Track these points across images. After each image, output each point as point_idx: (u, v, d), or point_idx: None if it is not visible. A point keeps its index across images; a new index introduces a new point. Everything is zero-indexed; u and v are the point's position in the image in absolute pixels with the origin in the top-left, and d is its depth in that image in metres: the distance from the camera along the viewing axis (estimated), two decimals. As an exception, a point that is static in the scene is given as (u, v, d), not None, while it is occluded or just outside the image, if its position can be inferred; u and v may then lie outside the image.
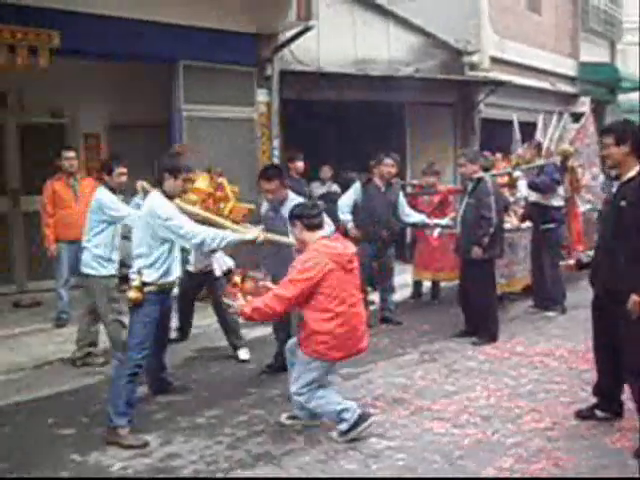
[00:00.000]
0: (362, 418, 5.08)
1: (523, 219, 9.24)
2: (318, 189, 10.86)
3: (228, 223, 5.83)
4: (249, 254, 7.49)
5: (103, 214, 6.46)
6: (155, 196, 5.36)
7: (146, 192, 6.12)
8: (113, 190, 6.56)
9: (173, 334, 7.62)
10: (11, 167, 9.90)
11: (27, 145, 9.94)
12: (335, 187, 10.77)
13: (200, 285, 7.43)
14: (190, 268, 7.16)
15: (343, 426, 5.05)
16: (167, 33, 8.80)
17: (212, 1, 8.95)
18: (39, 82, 8.64)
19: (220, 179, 7.29)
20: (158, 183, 5.41)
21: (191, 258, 7.12)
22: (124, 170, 6.63)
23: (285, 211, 6.11)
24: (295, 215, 5.28)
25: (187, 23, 8.93)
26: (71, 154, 8.18)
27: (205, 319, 7.98)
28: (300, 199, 6.30)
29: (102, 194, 6.51)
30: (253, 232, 5.65)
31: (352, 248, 5.31)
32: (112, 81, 9.68)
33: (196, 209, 6.09)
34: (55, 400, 6.13)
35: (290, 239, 5.84)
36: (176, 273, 5.53)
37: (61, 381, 6.59)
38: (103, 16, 8.18)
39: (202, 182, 7.20)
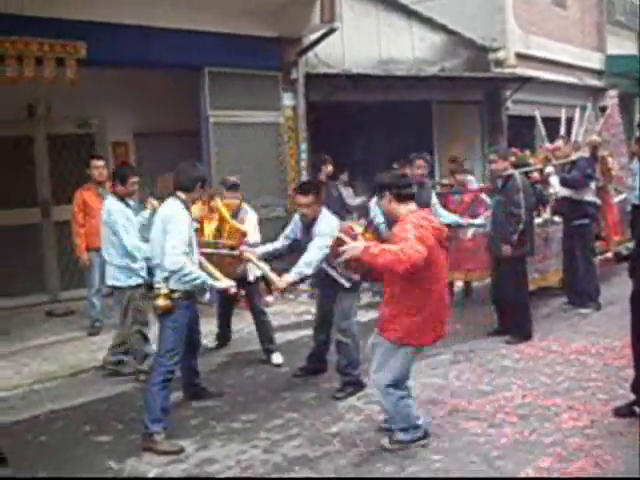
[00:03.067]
0: (421, 437, 4.98)
1: (554, 214, 9.14)
2: (351, 199, 10.81)
3: (217, 274, 5.76)
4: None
5: (113, 225, 6.51)
6: (170, 203, 5.36)
7: (154, 209, 6.19)
8: (123, 199, 6.61)
9: (212, 343, 7.70)
10: (41, 178, 10.00)
11: (56, 156, 10.05)
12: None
13: (237, 291, 7.43)
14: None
15: (401, 436, 4.92)
16: (191, 40, 8.82)
17: (235, 7, 8.97)
18: (67, 93, 8.68)
19: (212, 203, 7.15)
20: (183, 190, 5.37)
21: None
22: (136, 179, 6.71)
23: (317, 229, 6.05)
24: (384, 184, 4.85)
25: (211, 29, 8.95)
26: (100, 163, 8.23)
27: (238, 324, 7.98)
28: (331, 217, 6.18)
29: (113, 207, 6.58)
30: (226, 282, 5.63)
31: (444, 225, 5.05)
32: (139, 90, 9.73)
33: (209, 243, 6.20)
34: (90, 408, 6.16)
35: (273, 274, 5.85)
36: (201, 278, 5.49)
37: (96, 389, 6.62)
38: (128, 25, 8.23)
39: (195, 209, 7.15)
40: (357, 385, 6.11)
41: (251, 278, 7.14)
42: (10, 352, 7.73)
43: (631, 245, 5.53)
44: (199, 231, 6.94)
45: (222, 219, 7.05)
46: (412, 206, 4.82)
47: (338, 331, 6.10)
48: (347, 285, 5.87)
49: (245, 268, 7.11)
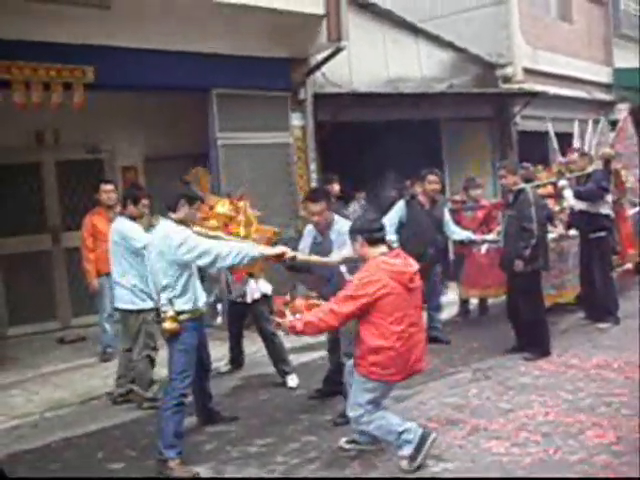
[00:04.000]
0: (424, 437, 4.85)
1: (568, 227, 9.03)
2: (354, 213, 10.77)
3: (251, 243, 5.61)
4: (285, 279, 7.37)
5: (129, 245, 6.43)
6: (164, 225, 5.25)
7: None
8: (132, 219, 6.55)
9: (225, 367, 7.60)
10: (51, 204, 9.97)
11: (65, 181, 10.03)
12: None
13: (243, 313, 7.36)
14: (238, 299, 7.13)
15: (406, 450, 4.82)
16: (198, 63, 8.79)
17: (242, 28, 8.94)
18: (75, 118, 8.68)
19: (240, 203, 7.16)
20: (170, 210, 5.26)
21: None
22: (147, 202, 6.67)
23: (334, 234, 6.01)
24: (356, 229, 5.07)
25: (218, 51, 8.91)
26: (109, 187, 8.18)
27: (251, 346, 7.87)
28: (345, 220, 6.18)
29: (121, 224, 6.52)
30: (278, 248, 5.42)
31: (414, 265, 5.02)
32: (147, 113, 9.73)
33: (218, 233, 5.96)
34: (103, 435, 6.05)
35: (322, 258, 5.70)
36: (203, 298, 5.43)
37: (108, 415, 6.52)
38: (136, 49, 8.18)
39: (221, 207, 7.09)
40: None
41: (249, 300, 7.04)
42: (21, 380, 7.66)
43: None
44: (226, 228, 6.86)
45: (247, 221, 6.98)
46: (382, 249, 5.00)
47: (344, 355, 5.96)
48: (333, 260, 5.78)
49: (244, 291, 7.03)
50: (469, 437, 5.34)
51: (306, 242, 6.37)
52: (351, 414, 5.02)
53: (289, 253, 5.37)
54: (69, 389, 7.29)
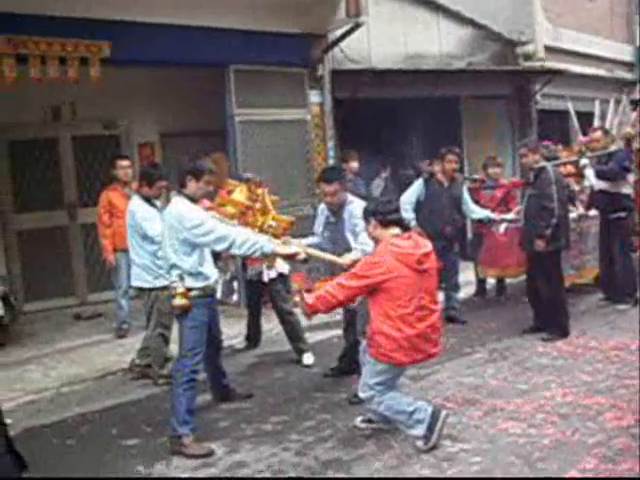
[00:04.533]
0: (435, 416, 4.80)
1: (588, 207, 8.91)
2: (377, 189, 10.72)
3: (267, 237, 5.51)
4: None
5: (137, 227, 6.43)
6: (180, 202, 5.19)
7: None
8: (148, 200, 6.50)
9: (241, 344, 7.63)
10: (67, 180, 9.96)
11: (82, 157, 10.01)
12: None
13: (260, 292, 7.34)
14: (254, 277, 7.12)
15: (419, 430, 4.79)
16: (216, 38, 8.68)
17: (260, 3, 8.83)
18: (92, 94, 8.64)
19: (259, 190, 7.11)
20: (180, 187, 5.25)
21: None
22: (164, 183, 6.59)
23: (347, 214, 5.97)
24: (369, 211, 5.07)
25: (236, 27, 8.80)
26: (125, 163, 8.16)
27: (267, 324, 7.84)
28: (359, 201, 6.13)
29: (136, 207, 6.48)
30: (292, 248, 5.37)
31: (426, 247, 4.93)
32: (165, 89, 9.64)
33: (234, 223, 5.92)
34: (118, 411, 6.06)
35: (335, 257, 5.64)
36: (214, 276, 5.40)
37: (124, 391, 6.53)
38: (152, 24, 8.07)
39: (240, 194, 7.03)
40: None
41: (265, 279, 7.00)
42: (38, 355, 7.69)
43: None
44: (249, 210, 6.83)
45: (265, 208, 6.94)
46: (395, 230, 4.95)
47: (361, 334, 5.91)
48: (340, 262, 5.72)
49: (260, 270, 7.00)
50: (485, 417, 5.29)
51: (319, 221, 6.34)
52: (362, 395, 5.00)
53: (302, 255, 5.36)
54: (85, 365, 7.31)
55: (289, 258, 5.43)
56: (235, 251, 5.19)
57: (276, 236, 6.34)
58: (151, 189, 6.53)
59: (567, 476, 4.29)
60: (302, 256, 5.36)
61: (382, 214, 4.96)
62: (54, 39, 7.49)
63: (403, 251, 4.80)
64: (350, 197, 6.15)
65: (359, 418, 5.27)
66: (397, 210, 5.07)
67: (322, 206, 6.36)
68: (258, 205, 6.90)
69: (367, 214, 5.09)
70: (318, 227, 6.35)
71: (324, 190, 6.05)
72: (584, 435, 4.87)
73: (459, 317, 8.25)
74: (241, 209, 6.84)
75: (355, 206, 6.00)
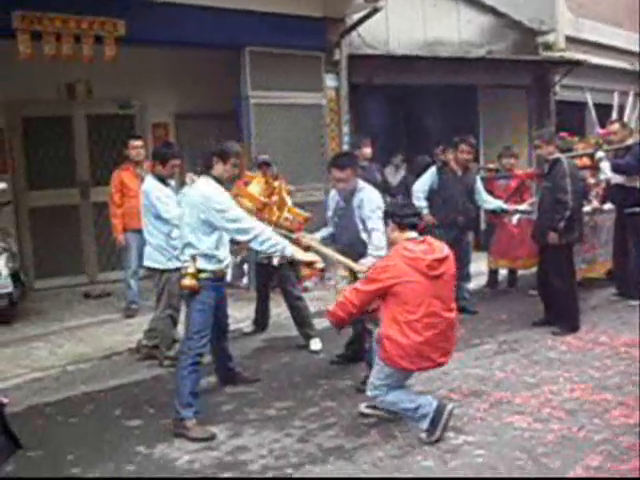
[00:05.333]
0: (439, 410, 4.75)
1: (603, 201, 8.81)
2: (393, 176, 10.64)
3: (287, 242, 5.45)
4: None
5: (151, 207, 6.37)
6: (206, 182, 5.15)
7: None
8: (163, 180, 6.44)
9: (249, 328, 7.59)
10: (80, 158, 9.95)
11: (96, 136, 10.00)
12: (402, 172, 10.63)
13: (269, 275, 7.30)
14: (264, 260, 7.07)
15: (424, 424, 4.74)
16: (232, 19, 8.62)
17: (277, -15, 8.77)
18: (107, 72, 8.60)
19: (276, 183, 7.06)
20: (206, 168, 5.21)
21: None
22: (178, 162, 6.51)
23: (356, 202, 5.93)
24: (387, 213, 5.10)
25: (253, 8, 8.74)
26: (138, 143, 8.13)
27: (276, 308, 7.80)
28: (370, 187, 6.08)
29: (150, 187, 6.39)
30: (311, 255, 5.32)
31: (441, 252, 4.84)
32: (179, 70, 9.61)
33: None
34: (123, 391, 6.04)
35: (351, 262, 5.56)
36: (227, 260, 5.37)
37: (129, 372, 6.52)
38: (168, 4, 8.02)
39: (256, 186, 6.99)
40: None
41: (275, 262, 6.95)
42: (46, 333, 7.70)
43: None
44: (265, 207, 6.80)
45: (281, 201, 6.91)
46: (410, 234, 4.92)
47: (370, 320, 5.87)
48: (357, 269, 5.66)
49: None
50: (491, 410, 5.24)
51: (330, 207, 6.30)
52: (368, 393, 4.98)
53: (319, 264, 5.29)
54: (92, 344, 7.30)
55: (307, 266, 5.37)
56: (255, 246, 5.18)
57: (291, 230, 6.33)
58: (164, 168, 6.44)
59: (571, 473, 4.23)
60: (319, 265, 5.29)
61: (399, 217, 4.93)
62: (69, 16, 7.46)
63: (413, 255, 4.73)
64: (361, 183, 6.09)
65: (364, 404, 5.25)
66: (414, 215, 5.02)
67: (333, 192, 6.32)
68: (275, 198, 6.87)
69: (386, 216, 5.11)
70: (329, 213, 6.32)
71: (335, 176, 5.99)
72: (590, 432, 4.81)
73: (469, 307, 8.17)
74: (258, 205, 6.81)
75: (366, 193, 5.96)
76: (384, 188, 9.57)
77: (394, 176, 10.85)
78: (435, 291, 4.75)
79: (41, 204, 9.64)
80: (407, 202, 5.38)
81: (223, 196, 5.10)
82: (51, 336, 7.58)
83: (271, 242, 5.07)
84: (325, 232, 6.35)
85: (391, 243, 5.06)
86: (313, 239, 6.03)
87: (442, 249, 4.88)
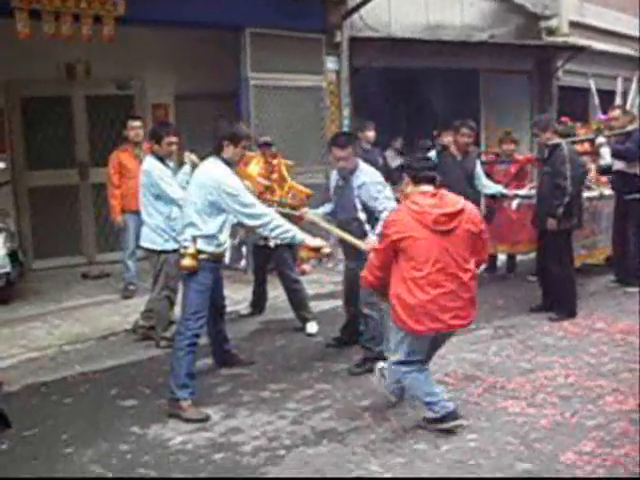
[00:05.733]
0: (447, 417, 4.62)
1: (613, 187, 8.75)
2: (393, 160, 10.60)
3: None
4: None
5: (152, 186, 6.32)
6: (217, 165, 5.13)
7: (194, 164, 5.98)
8: (162, 160, 6.40)
9: (246, 310, 7.60)
10: (79, 139, 9.92)
11: (95, 116, 9.95)
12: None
13: (267, 257, 7.29)
14: (261, 242, 7.05)
15: (429, 414, 4.68)
16: (233, 0, 8.58)
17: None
18: (107, 53, 8.58)
19: (275, 161, 7.04)
20: (216, 151, 5.19)
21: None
22: (174, 139, 6.44)
23: (355, 181, 5.90)
24: (403, 167, 4.94)
25: (254, -11, 8.71)
26: (137, 123, 8.09)
27: (273, 291, 7.80)
28: (369, 167, 6.06)
29: (151, 166, 6.34)
30: (319, 241, 5.28)
31: (454, 206, 4.59)
32: (179, 51, 9.55)
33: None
34: (119, 371, 6.06)
35: (357, 241, 5.59)
36: (227, 243, 5.38)
37: (126, 352, 6.53)
38: (168, -17, 8.01)
39: (255, 166, 6.98)
40: (378, 362, 5.87)
41: (272, 244, 6.94)
42: (43, 313, 7.71)
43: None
44: (268, 190, 6.80)
45: (281, 178, 6.88)
46: (423, 188, 4.71)
47: (364, 304, 5.86)
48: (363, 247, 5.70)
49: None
50: (485, 395, 5.25)
51: (331, 187, 6.29)
52: (391, 358, 4.86)
53: (327, 249, 5.30)
54: (89, 324, 7.31)
55: (315, 251, 5.34)
56: (265, 232, 5.20)
57: (295, 207, 6.31)
58: (161, 146, 6.41)
59: (562, 458, 4.23)
60: (327, 250, 5.30)
61: (414, 170, 4.76)
62: (69, -5, 7.42)
63: (420, 209, 4.54)
64: (361, 164, 6.05)
65: (380, 363, 5.21)
66: (431, 167, 4.82)
67: (334, 173, 6.29)
68: (275, 176, 6.86)
69: (401, 170, 4.96)
70: (330, 192, 6.31)
71: (336, 155, 5.93)
72: (583, 417, 4.82)
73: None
74: (260, 189, 6.80)
75: (367, 172, 5.94)
76: (385, 172, 9.55)
77: (395, 160, 10.81)
78: (446, 248, 4.54)
79: (40, 184, 9.61)
80: (424, 156, 5.15)
81: (234, 180, 5.09)
82: (48, 316, 7.58)
83: (282, 229, 5.08)
84: (328, 208, 6.34)
85: (405, 198, 4.90)
86: (316, 215, 6.05)
87: (455, 203, 4.64)
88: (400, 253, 4.59)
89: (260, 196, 6.60)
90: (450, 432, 4.59)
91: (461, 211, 4.61)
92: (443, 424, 4.63)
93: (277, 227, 5.07)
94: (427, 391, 4.71)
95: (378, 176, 5.99)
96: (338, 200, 6.10)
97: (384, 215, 5.60)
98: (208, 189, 5.04)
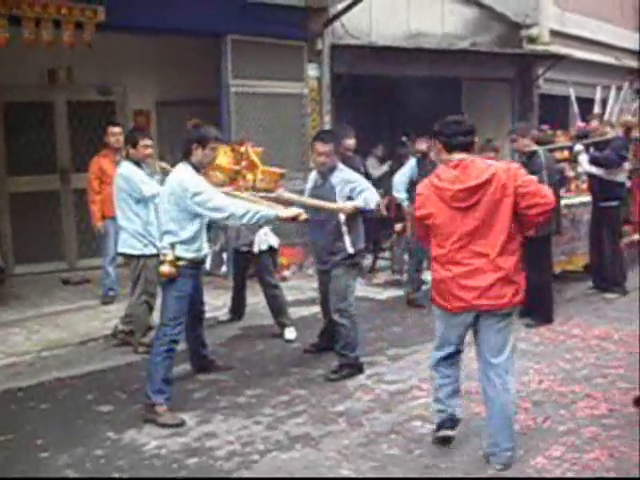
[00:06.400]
0: (440, 426, 4.56)
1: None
2: (375, 167, 10.66)
3: (265, 202, 5.48)
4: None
5: (132, 191, 6.36)
6: (185, 170, 5.17)
7: (165, 172, 6.02)
8: (138, 164, 6.46)
9: (225, 316, 7.64)
10: (61, 145, 9.94)
11: (77, 122, 9.98)
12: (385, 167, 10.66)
13: (247, 263, 7.32)
14: (243, 248, 7.06)
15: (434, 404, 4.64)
16: (214, 7, 8.61)
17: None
18: (89, 59, 8.60)
19: (242, 148, 7.03)
20: (185, 155, 5.22)
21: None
22: (149, 142, 6.53)
23: (334, 180, 5.92)
24: (434, 132, 4.47)
25: (235, -4, 8.75)
26: (117, 130, 8.11)
27: (253, 297, 7.82)
28: (350, 171, 6.09)
29: (126, 169, 6.42)
30: (293, 210, 5.34)
31: (476, 178, 4.16)
32: (161, 57, 9.60)
33: (226, 190, 5.84)
34: (96, 377, 6.07)
35: (332, 204, 5.64)
36: (205, 249, 5.41)
37: (104, 358, 6.54)
38: (149, -10, 8.04)
39: (223, 157, 7.00)
40: (354, 368, 5.92)
41: (256, 250, 6.97)
42: (23, 318, 7.71)
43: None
44: (238, 175, 6.82)
45: (252, 164, 6.89)
46: (455, 156, 4.29)
47: (334, 311, 5.91)
48: (351, 251, 5.80)
49: (252, 240, 6.97)
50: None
51: (307, 188, 6.29)
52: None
53: (303, 215, 5.32)
54: (68, 330, 7.32)
55: (292, 220, 5.35)
56: (236, 222, 5.23)
57: (269, 190, 6.33)
58: (137, 150, 6.49)
59: (532, 463, 4.28)
60: (304, 216, 5.33)
61: (446, 136, 4.33)
62: (49, 1, 7.41)
63: (440, 184, 4.27)
64: (341, 165, 6.08)
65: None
66: (464, 132, 4.32)
67: (313, 174, 6.30)
68: (244, 163, 6.86)
69: (433, 135, 4.71)
70: (305, 194, 6.31)
71: (319, 150, 5.92)
72: (555, 422, 4.88)
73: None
74: (230, 174, 6.80)
75: (346, 172, 5.99)
76: (366, 179, 9.60)
77: (377, 168, 10.87)
78: (468, 224, 4.20)
79: (21, 190, 9.61)
80: (456, 119, 4.49)
81: (198, 180, 5.12)
82: (27, 322, 7.57)
83: (250, 214, 5.06)
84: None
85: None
86: (292, 193, 6.07)
87: (481, 174, 4.18)
88: (429, 228, 4.41)
89: (232, 183, 6.64)
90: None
91: (487, 182, 4.15)
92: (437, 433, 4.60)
93: (245, 214, 5.05)
94: (440, 382, 4.56)
95: (358, 175, 6.07)
96: (314, 199, 6.10)
97: (365, 193, 5.74)
98: (178, 195, 5.07)
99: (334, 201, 5.85)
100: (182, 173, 5.15)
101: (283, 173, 7.01)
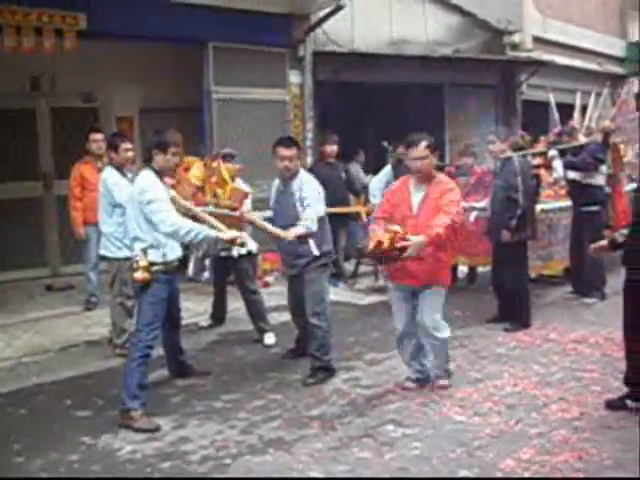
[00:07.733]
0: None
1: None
2: (359, 173, 10.68)
3: (217, 223, 5.49)
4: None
5: (108, 195, 6.47)
6: (146, 175, 5.22)
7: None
8: (119, 169, 6.57)
9: (206, 322, 7.67)
10: (44, 151, 9.95)
11: (60, 129, 9.98)
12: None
13: (228, 269, 7.36)
14: (223, 253, 7.11)
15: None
16: (196, 14, 8.67)
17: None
18: (71, 66, 8.65)
19: (214, 164, 7.12)
20: (147, 161, 5.30)
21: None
22: (129, 146, 6.67)
23: (295, 186, 5.94)
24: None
25: (217, 4, 8.78)
26: (98, 136, 8.14)
27: (234, 303, 7.86)
28: (311, 179, 6.06)
29: (107, 174, 6.55)
30: (233, 232, 5.33)
31: None
32: (144, 64, 9.62)
33: (189, 204, 5.86)
34: (75, 382, 6.10)
35: (279, 230, 5.67)
36: (177, 252, 5.42)
37: (84, 364, 6.57)
38: (130, -3, 8.08)
39: (196, 170, 7.10)
40: (328, 371, 5.98)
41: (234, 254, 7.01)
42: (5, 324, 7.70)
43: (625, 232, 5.33)
44: (200, 190, 6.89)
45: (222, 181, 6.96)
46: None
47: (312, 314, 5.95)
48: (316, 253, 5.83)
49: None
50: (432, 404, 5.35)
51: (272, 197, 6.32)
52: None
53: (240, 239, 5.35)
54: (50, 336, 7.34)
55: (230, 242, 5.40)
56: (177, 239, 5.20)
57: (234, 209, 6.38)
58: (118, 154, 6.61)
59: (502, 465, 4.34)
60: (240, 240, 5.35)
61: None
62: (30, 9, 7.48)
63: None
64: (303, 172, 6.12)
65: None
66: None
67: (276, 181, 6.29)
68: (214, 179, 6.92)
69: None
70: (271, 203, 6.35)
71: (281, 154, 5.90)
72: (527, 425, 4.93)
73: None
74: (192, 190, 6.90)
75: (307, 179, 6.00)
76: (348, 185, 9.67)
77: (360, 174, 10.89)
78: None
79: (4, 196, 9.59)
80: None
81: (157, 187, 5.14)
82: (9, 328, 7.58)
83: (193, 233, 5.07)
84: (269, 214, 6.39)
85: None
86: (254, 214, 6.16)
87: None
88: None
89: (193, 197, 6.71)
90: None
91: None
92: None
93: (188, 232, 5.05)
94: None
95: (317, 185, 6.04)
96: (278, 206, 6.13)
97: (307, 211, 5.74)
98: (139, 200, 5.12)
99: (294, 206, 5.88)
100: (143, 179, 5.21)
101: (247, 192, 7.08)
